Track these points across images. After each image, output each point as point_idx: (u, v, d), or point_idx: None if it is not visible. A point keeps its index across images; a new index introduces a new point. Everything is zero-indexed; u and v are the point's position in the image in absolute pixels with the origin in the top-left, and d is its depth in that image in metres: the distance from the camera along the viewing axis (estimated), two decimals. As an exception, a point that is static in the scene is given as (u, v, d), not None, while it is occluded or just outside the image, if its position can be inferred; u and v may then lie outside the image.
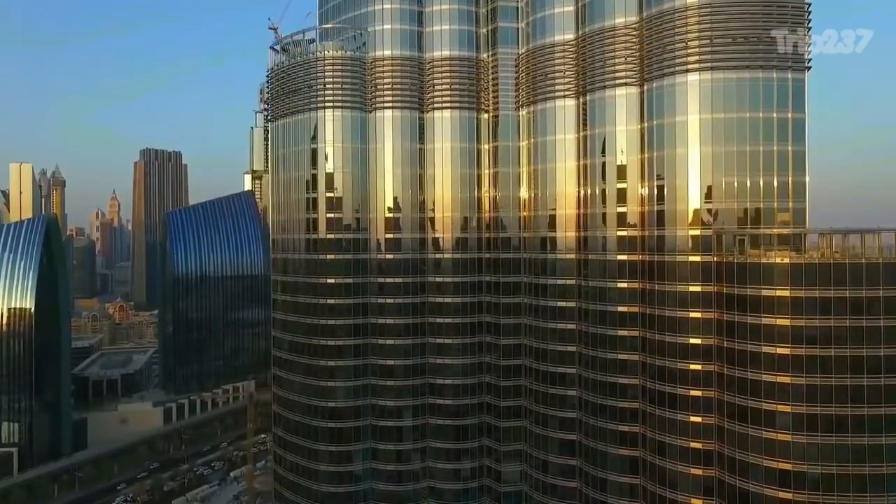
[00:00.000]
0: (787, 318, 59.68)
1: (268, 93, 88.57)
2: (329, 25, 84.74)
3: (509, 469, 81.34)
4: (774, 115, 64.48)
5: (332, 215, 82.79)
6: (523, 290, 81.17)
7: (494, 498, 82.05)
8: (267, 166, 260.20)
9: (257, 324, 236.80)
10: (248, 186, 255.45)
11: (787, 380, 59.86)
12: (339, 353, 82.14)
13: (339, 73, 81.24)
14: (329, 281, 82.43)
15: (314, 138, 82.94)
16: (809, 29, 64.43)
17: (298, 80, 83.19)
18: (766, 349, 60.80)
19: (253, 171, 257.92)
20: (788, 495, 59.95)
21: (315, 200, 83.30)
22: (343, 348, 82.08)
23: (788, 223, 65.08)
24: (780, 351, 60.27)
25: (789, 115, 64.59)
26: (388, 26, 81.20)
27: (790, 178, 64.84)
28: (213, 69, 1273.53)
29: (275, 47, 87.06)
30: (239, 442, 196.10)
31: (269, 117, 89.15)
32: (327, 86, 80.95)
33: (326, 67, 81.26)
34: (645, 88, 69.76)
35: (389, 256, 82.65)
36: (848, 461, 58.94)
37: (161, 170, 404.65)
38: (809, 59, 64.52)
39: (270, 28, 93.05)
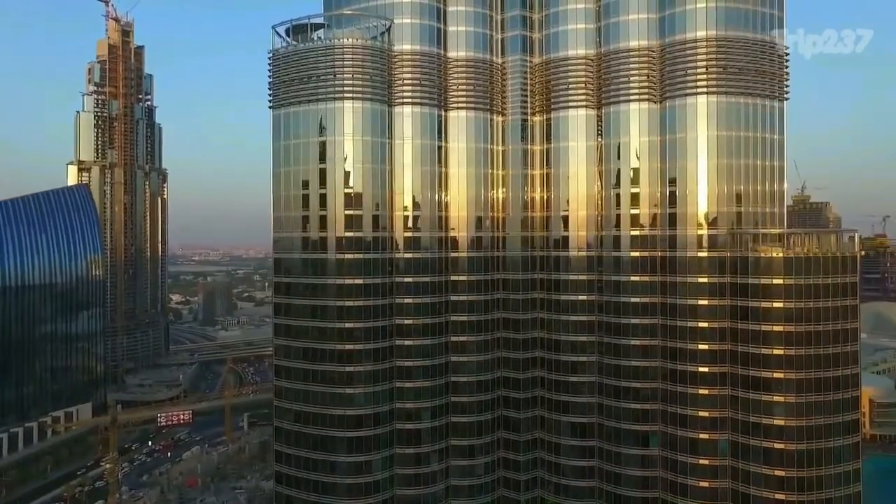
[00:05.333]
0: (793, 302, 73.50)
1: (270, 78, 79.79)
2: (348, 12, 79.89)
3: (526, 458, 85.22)
4: (767, 135, 78.53)
5: (350, 212, 78.32)
6: (538, 286, 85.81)
7: (513, 487, 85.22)
8: (96, 155, 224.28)
9: (88, 336, 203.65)
10: (72, 179, 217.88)
11: (791, 351, 73.61)
12: (361, 358, 78.01)
13: (363, 63, 77.31)
14: (351, 281, 77.85)
15: (331, 130, 77.66)
16: (787, 68, 79.66)
17: (316, 67, 76.92)
18: (776, 328, 74.01)
19: (80, 162, 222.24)
20: (792, 446, 73.75)
21: (331, 196, 78.03)
22: (365, 352, 78.15)
23: (775, 224, 79.69)
24: (783, 328, 73.88)
25: (775, 136, 79.21)
26: (415, 21, 79.52)
27: (775, 187, 79.49)
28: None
29: (277, 29, 79.10)
30: (85, 475, 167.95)
31: (271, 105, 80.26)
32: (355, 75, 76.45)
33: (350, 55, 76.67)
34: (661, 106, 79.34)
35: (412, 255, 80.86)
36: (822, 414, 74.33)
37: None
38: (788, 92, 79.76)
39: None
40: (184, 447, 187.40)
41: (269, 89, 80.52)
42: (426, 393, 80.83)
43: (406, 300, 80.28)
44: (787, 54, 79.35)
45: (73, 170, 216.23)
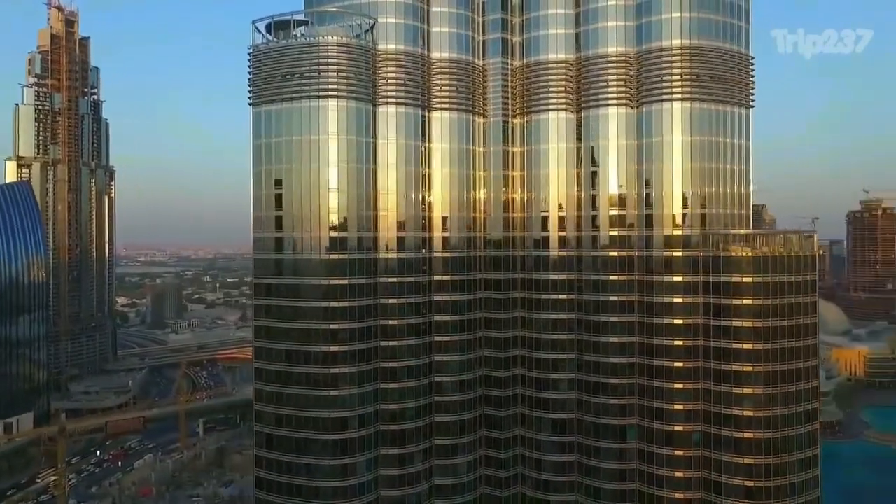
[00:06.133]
0: (761, 299, 77.55)
1: (250, 74, 77.96)
2: (332, 9, 78.99)
3: (507, 455, 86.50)
4: (735, 140, 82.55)
5: (335, 212, 77.60)
6: (519, 286, 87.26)
7: (495, 484, 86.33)
8: (37, 151, 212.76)
9: (29, 342, 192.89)
10: (10, 176, 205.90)
11: (760, 346, 77.64)
12: (346, 359, 77.27)
13: (348, 61, 76.67)
14: (336, 282, 77.03)
15: (315, 128, 76.64)
16: (753, 76, 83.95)
17: (300, 64, 75.69)
18: (745, 324, 77.81)
19: (19, 158, 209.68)
20: (760, 435, 77.80)
21: (315, 195, 77.06)
22: (350, 353, 77.47)
23: (742, 225, 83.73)
24: (752, 324, 77.87)
25: (742, 142, 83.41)
26: (399, 21, 79.47)
27: (741, 190, 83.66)
28: None
29: (257, 24, 77.42)
30: (27, 489, 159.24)
31: (251, 102, 78.39)
32: (340, 73, 75.70)
33: (335, 53, 75.90)
34: (638, 110, 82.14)
35: (396, 255, 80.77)
36: (786, 404, 78.71)
37: None
38: (753, 100, 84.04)
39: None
40: (135, 456, 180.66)
41: (249, 86, 78.72)
42: (411, 393, 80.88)
43: (391, 300, 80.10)
44: (753, 65, 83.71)
45: (11, 166, 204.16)
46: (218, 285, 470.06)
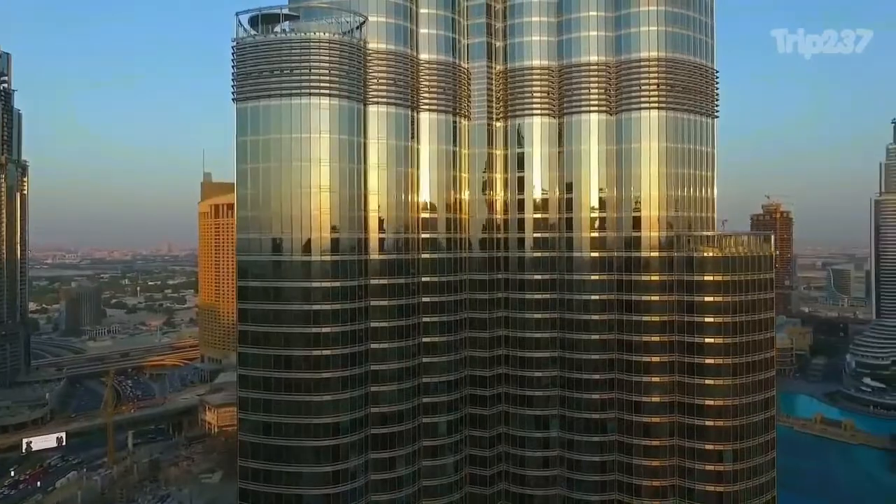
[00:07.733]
0: (729, 296, 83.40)
1: (234, 69, 74.15)
2: (324, 5, 76.68)
3: (492, 453, 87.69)
4: (703, 148, 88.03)
5: (324, 213, 75.52)
6: (502, 286, 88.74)
7: (480, 483, 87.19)
8: None
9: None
10: None
11: (729, 340, 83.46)
12: (337, 363, 75.28)
13: (340, 59, 74.82)
14: (329, 284, 74.96)
15: (305, 126, 74.27)
16: (718, 89, 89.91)
17: (290, 60, 72.92)
18: (715, 319, 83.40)
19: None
20: (728, 423, 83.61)
21: (305, 195, 74.78)
22: (342, 357, 75.58)
23: (708, 228, 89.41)
24: (723, 320, 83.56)
25: (709, 149, 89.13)
26: (389, 20, 78.33)
27: (708, 194, 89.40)
28: None
29: (240, 16, 74.09)
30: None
31: (235, 98, 74.55)
32: (332, 71, 73.70)
33: (326, 50, 73.88)
34: (616, 117, 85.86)
35: (386, 257, 79.66)
36: (749, 394, 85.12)
37: None
38: (718, 111, 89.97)
39: None
40: (57, 474, 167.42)
41: (234, 81, 74.97)
42: (401, 395, 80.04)
43: (381, 302, 79.10)
44: (717, 78, 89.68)
45: None
46: (138, 289, 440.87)
